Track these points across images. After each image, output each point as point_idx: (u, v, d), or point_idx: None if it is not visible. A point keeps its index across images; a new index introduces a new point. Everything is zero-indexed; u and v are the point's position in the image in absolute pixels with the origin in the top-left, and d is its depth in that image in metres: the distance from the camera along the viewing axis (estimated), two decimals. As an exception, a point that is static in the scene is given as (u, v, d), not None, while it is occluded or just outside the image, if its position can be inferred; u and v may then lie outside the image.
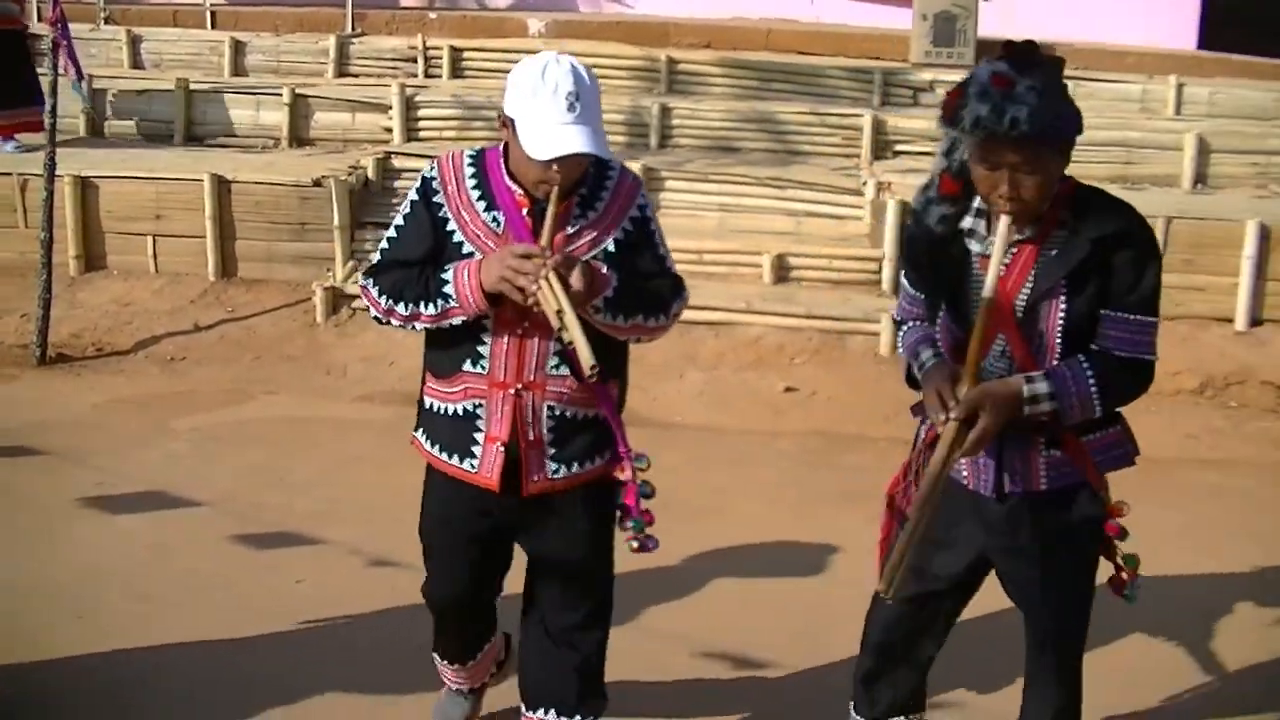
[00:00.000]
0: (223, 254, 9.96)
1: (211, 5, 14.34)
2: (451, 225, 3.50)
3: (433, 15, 14.41)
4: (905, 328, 3.58)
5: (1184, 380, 8.56)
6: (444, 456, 3.67)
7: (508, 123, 3.40)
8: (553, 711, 3.89)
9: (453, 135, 11.35)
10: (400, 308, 3.49)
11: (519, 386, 3.52)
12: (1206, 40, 15.46)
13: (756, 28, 14.11)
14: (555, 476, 3.62)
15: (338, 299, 9.46)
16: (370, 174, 10.35)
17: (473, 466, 3.61)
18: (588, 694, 3.88)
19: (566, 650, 3.83)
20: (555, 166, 3.30)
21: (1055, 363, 3.19)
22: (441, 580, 3.95)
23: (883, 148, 11.52)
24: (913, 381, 3.52)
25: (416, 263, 3.50)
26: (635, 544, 3.74)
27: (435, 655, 4.28)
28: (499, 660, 4.45)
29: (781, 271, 9.74)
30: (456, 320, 3.45)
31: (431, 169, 3.57)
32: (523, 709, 3.97)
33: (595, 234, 3.53)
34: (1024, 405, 3.12)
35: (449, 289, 3.40)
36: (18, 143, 10.89)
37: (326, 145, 11.77)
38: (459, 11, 15.07)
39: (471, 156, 3.58)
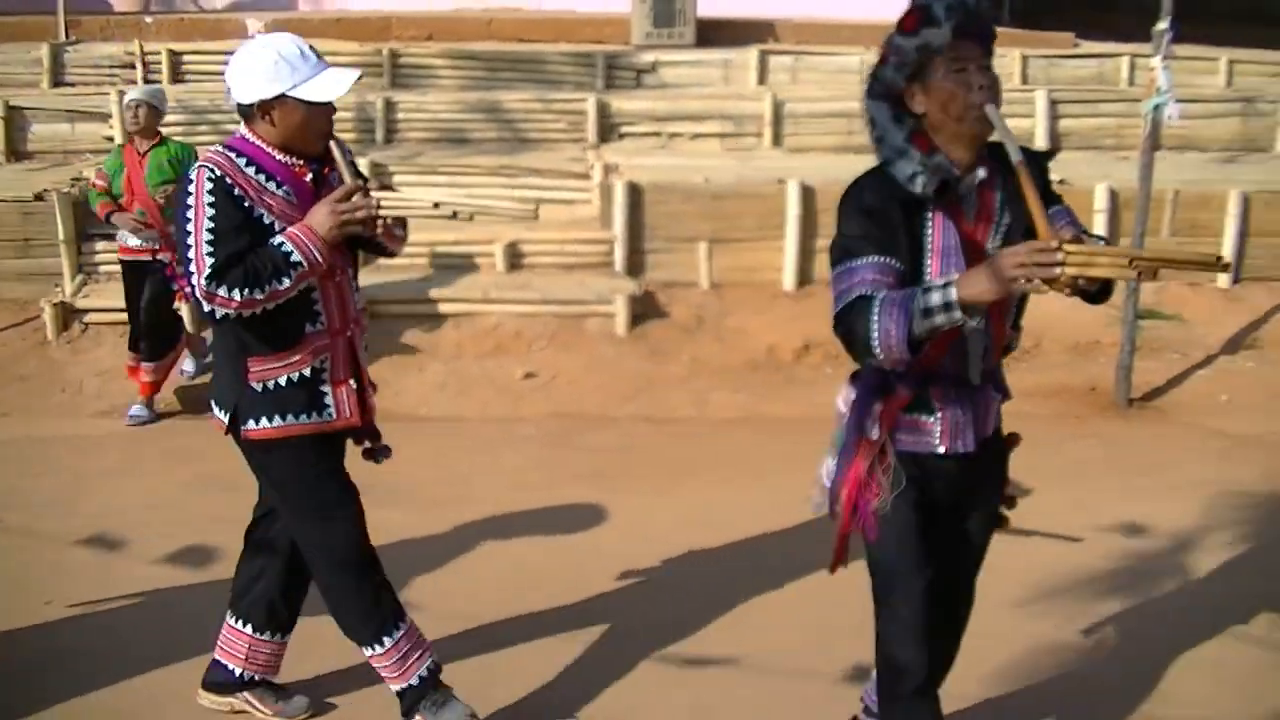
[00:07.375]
0: (-56, 275, 9.71)
1: (-86, 18, 13.84)
2: (258, 210, 3.82)
3: (149, 19, 14.12)
4: (880, 297, 3.13)
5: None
6: (302, 419, 3.99)
7: (268, 106, 3.81)
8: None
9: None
10: (259, 294, 3.74)
11: (351, 328, 4.07)
12: (915, 10, 16.11)
13: (478, 17, 14.22)
14: (373, 402, 4.25)
15: (68, 315, 9.31)
16: (94, 185, 10.15)
17: (330, 415, 4.03)
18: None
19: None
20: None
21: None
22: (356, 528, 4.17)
23: (608, 131, 11.85)
24: (913, 344, 3.10)
25: (248, 251, 3.76)
26: (370, 456, 4.28)
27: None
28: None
29: (515, 259, 9.96)
30: (304, 284, 3.84)
31: (213, 170, 3.79)
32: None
33: None
34: None
35: (295, 258, 3.77)
36: None
37: (46, 158, 11.52)
38: (175, 14, 14.83)
39: (232, 151, 3.88)
